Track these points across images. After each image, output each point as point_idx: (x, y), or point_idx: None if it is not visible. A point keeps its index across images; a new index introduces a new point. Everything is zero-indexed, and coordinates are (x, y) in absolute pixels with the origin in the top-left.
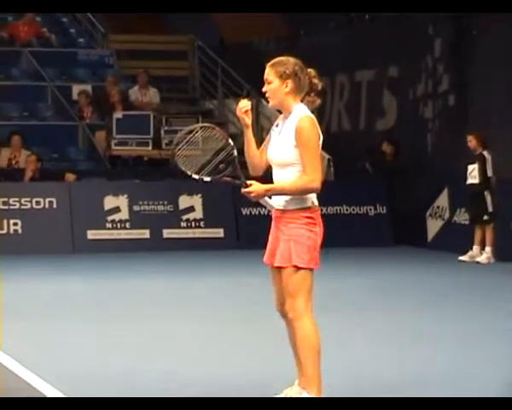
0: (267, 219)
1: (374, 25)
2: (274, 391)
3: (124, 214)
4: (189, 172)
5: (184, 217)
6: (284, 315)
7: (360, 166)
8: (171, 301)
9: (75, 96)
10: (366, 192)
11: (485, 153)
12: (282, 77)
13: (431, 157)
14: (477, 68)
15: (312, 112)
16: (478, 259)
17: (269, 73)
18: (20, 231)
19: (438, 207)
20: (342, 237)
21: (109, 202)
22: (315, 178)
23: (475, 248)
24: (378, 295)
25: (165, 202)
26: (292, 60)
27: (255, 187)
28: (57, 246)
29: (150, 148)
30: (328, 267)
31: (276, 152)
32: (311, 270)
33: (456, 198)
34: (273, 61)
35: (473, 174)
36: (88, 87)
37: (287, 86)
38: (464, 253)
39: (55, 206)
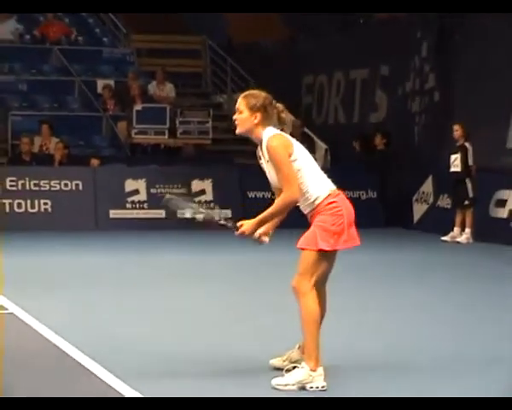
0: (270, 202)
1: (367, 28)
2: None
3: (142, 196)
4: (182, 212)
5: (196, 199)
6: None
7: (349, 146)
8: (184, 273)
9: (99, 90)
10: (359, 179)
11: (467, 144)
12: (253, 109)
13: (418, 147)
14: (459, 68)
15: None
16: (458, 239)
17: (240, 103)
18: (49, 210)
19: (423, 192)
20: None
21: (129, 184)
22: (291, 193)
23: (456, 229)
24: (368, 269)
25: (179, 186)
26: (263, 94)
27: (245, 226)
28: (82, 224)
29: (166, 137)
30: None
31: (274, 179)
32: (332, 253)
33: (439, 185)
34: (246, 94)
35: (455, 163)
36: (111, 82)
37: (256, 118)
38: (446, 233)
39: (80, 188)
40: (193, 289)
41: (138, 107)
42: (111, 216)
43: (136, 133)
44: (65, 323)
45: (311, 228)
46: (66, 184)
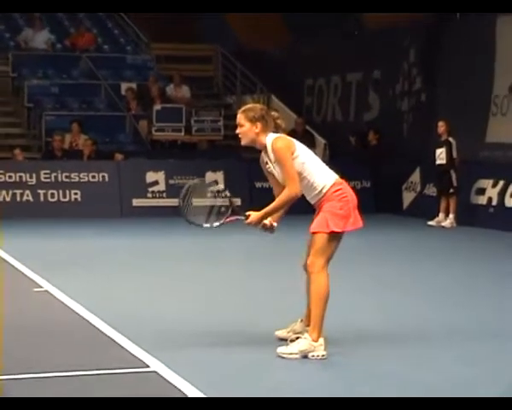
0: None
1: (361, 37)
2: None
3: (161, 186)
4: (201, 224)
5: (210, 188)
6: (305, 269)
7: (346, 140)
8: (199, 255)
9: (123, 92)
10: (355, 170)
11: (451, 139)
12: (252, 120)
13: (406, 142)
14: (443, 71)
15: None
16: (443, 224)
17: (240, 118)
18: (79, 200)
19: (411, 182)
20: None
21: (150, 176)
22: (293, 189)
23: (441, 215)
24: (362, 252)
25: (195, 177)
26: (258, 106)
27: (253, 216)
28: (108, 212)
29: (183, 134)
30: None
31: (280, 177)
32: (341, 234)
33: (426, 175)
34: (243, 108)
35: (441, 156)
36: (133, 85)
37: (257, 128)
38: (432, 219)
39: (107, 179)
40: (209, 271)
41: (158, 107)
42: (134, 204)
43: (155, 130)
44: (94, 299)
45: (321, 214)
46: (93, 177)
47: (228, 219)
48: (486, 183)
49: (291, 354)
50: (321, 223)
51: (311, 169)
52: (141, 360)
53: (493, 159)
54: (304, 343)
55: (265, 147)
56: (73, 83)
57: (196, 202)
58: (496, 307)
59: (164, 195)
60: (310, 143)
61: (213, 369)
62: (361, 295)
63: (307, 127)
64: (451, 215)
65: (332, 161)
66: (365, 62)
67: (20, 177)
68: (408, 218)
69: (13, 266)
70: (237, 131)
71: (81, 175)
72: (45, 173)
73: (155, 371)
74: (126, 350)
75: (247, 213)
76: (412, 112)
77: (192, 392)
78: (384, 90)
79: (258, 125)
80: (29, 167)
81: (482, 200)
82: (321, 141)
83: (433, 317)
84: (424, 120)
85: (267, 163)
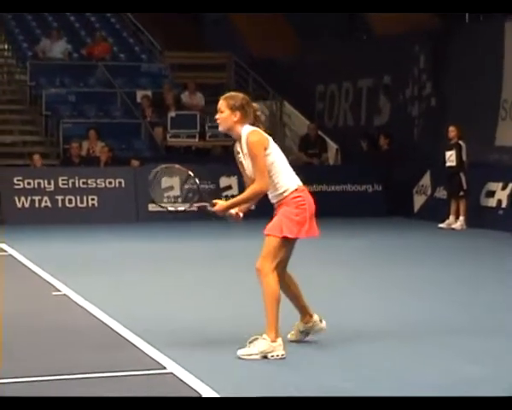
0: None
1: (372, 43)
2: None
3: (176, 192)
4: (166, 207)
5: (224, 193)
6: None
7: (357, 144)
8: (214, 258)
9: (139, 100)
10: (366, 174)
11: (461, 142)
12: (232, 109)
13: (417, 146)
14: (452, 77)
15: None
16: (453, 226)
17: (221, 104)
18: (96, 205)
19: (422, 185)
20: (346, 209)
21: (165, 182)
22: (262, 184)
23: (451, 217)
24: (373, 253)
25: (209, 182)
26: (240, 95)
27: (219, 205)
28: (125, 216)
29: (197, 140)
30: (334, 232)
31: (248, 169)
32: (293, 240)
33: (436, 178)
34: (225, 96)
35: (451, 159)
36: (149, 93)
37: (235, 116)
38: (442, 221)
39: (123, 185)
40: (225, 274)
41: (172, 114)
42: (149, 209)
43: (170, 137)
44: (111, 302)
45: (277, 217)
46: (110, 182)
47: (194, 205)
48: (496, 185)
49: (251, 355)
50: (275, 226)
51: (277, 170)
52: (157, 362)
53: (502, 162)
54: (263, 344)
55: (240, 137)
56: (90, 91)
57: (165, 184)
58: (504, 306)
59: (179, 200)
60: (322, 148)
61: (229, 370)
62: (370, 294)
63: (319, 132)
64: (461, 218)
65: (344, 165)
66: (376, 68)
67: (39, 183)
68: (419, 221)
69: (32, 270)
70: (216, 116)
71: (98, 181)
72: (63, 180)
73: (171, 373)
74: (143, 352)
75: (214, 202)
76: (422, 116)
77: (207, 393)
78: (394, 95)
79: (238, 114)
80: (47, 174)
81: (492, 202)
82: (333, 146)
83: (440, 316)
84: (434, 124)
85: (239, 153)
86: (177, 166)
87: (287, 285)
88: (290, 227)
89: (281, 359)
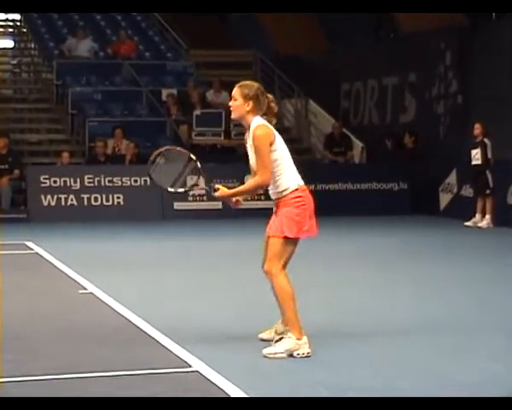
0: None
1: (397, 41)
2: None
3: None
4: (164, 186)
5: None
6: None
7: (382, 143)
8: (241, 256)
9: (164, 98)
10: (391, 172)
11: (486, 140)
12: (246, 98)
13: (443, 144)
14: (479, 74)
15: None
16: (479, 224)
17: (236, 92)
18: (122, 203)
19: (448, 183)
20: (372, 207)
21: (190, 180)
22: (264, 178)
23: (478, 215)
24: (399, 251)
25: (234, 180)
26: (256, 85)
27: (221, 192)
28: (151, 215)
29: (222, 138)
30: (360, 230)
31: (252, 161)
32: (296, 239)
33: (462, 176)
34: (240, 84)
35: (476, 157)
36: (174, 91)
37: (248, 105)
38: (469, 219)
39: (148, 183)
40: (252, 272)
41: (197, 112)
42: (175, 208)
43: (195, 135)
44: (137, 300)
45: (278, 218)
46: (135, 181)
47: (195, 188)
48: None
49: (276, 353)
50: (277, 227)
51: (280, 167)
52: (183, 360)
53: None
54: (289, 342)
55: (249, 127)
56: (115, 90)
57: (168, 165)
58: None
59: (204, 198)
60: (347, 146)
61: (255, 369)
62: (396, 292)
63: (344, 130)
64: (488, 216)
65: (369, 163)
66: (401, 66)
67: (65, 181)
68: (444, 219)
69: (59, 268)
70: (230, 103)
71: (123, 179)
72: (89, 178)
73: (197, 371)
74: (169, 350)
75: (216, 187)
76: (448, 114)
77: (234, 392)
78: (420, 93)
79: (250, 103)
80: (73, 172)
81: None
82: (358, 144)
83: (464, 314)
84: (460, 122)
85: (246, 142)
86: (178, 148)
87: None
88: (291, 227)
89: (306, 357)
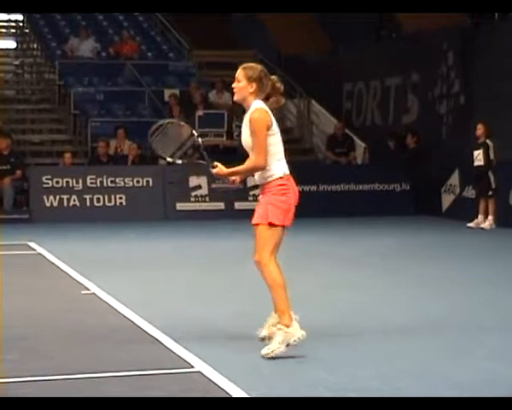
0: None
1: (400, 41)
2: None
3: (204, 191)
4: (163, 155)
5: (251, 192)
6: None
7: (384, 144)
8: (243, 257)
9: (166, 98)
10: (394, 173)
11: (488, 141)
12: (250, 79)
13: (445, 145)
14: (481, 74)
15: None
16: (482, 225)
17: (239, 73)
18: (124, 204)
19: (450, 184)
20: (375, 207)
21: (193, 181)
22: (259, 160)
23: (480, 216)
24: (401, 252)
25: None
26: (259, 67)
27: (220, 169)
28: (153, 215)
29: (224, 138)
30: (362, 231)
31: (243, 140)
32: (282, 227)
33: (465, 177)
34: (244, 65)
35: (478, 158)
36: (176, 91)
37: (252, 87)
38: (471, 220)
39: (151, 184)
40: (253, 273)
41: (200, 113)
42: (177, 208)
43: (198, 136)
44: (139, 301)
45: (263, 205)
46: (138, 181)
47: (193, 161)
48: None
49: (274, 350)
50: (262, 215)
51: (271, 153)
52: (185, 361)
53: None
54: (281, 335)
55: (249, 110)
56: (118, 90)
57: (169, 136)
58: None
59: (206, 199)
60: (349, 147)
61: (256, 369)
62: (398, 293)
63: (347, 131)
64: (491, 217)
65: (372, 164)
66: (404, 66)
67: (67, 182)
68: (447, 220)
69: (61, 269)
70: (233, 85)
71: (126, 180)
72: (91, 178)
73: (199, 371)
74: (171, 350)
75: (215, 164)
76: (451, 115)
77: (236, 392)
78: (423, 94)
79: (254, 85)
80: (75, 173)
81: None
82: (360, 144)
83: (468, 315)
84: (463, 122)
85: (243, 120)
86: (181, 122)
87: None
88: (277, 214)
89: (300, 340)
